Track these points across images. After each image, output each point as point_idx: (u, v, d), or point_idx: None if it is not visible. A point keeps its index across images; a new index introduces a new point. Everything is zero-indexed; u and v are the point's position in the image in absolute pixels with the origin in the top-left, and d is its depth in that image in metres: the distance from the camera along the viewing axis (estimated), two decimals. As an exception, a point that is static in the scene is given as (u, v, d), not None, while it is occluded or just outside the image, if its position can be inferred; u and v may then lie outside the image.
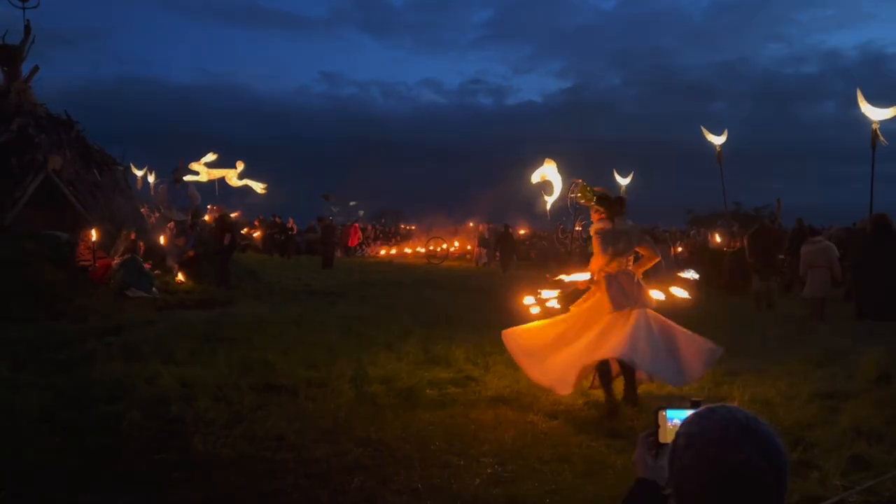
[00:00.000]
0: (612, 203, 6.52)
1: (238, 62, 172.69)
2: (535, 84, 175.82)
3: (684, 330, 6.32)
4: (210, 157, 17.58)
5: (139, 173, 21.04)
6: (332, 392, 6.57)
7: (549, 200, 6.93)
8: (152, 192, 18.68)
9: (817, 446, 5.19)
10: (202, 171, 17.39)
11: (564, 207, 7.22)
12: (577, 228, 27.53)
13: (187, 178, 17.02)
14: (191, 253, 15.37)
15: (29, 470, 4.61)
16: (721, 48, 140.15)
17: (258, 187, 17.92)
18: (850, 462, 4.85)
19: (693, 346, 6.21)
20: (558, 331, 6.51)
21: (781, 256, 15.52)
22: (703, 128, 16.68)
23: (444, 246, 32.75)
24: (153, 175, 17.70)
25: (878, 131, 11.85)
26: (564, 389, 6.17)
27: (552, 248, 22.57)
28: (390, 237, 38.00)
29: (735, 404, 1.49)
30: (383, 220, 44.01)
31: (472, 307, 13.12)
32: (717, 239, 18.74)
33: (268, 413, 5.95)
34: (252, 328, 9.72)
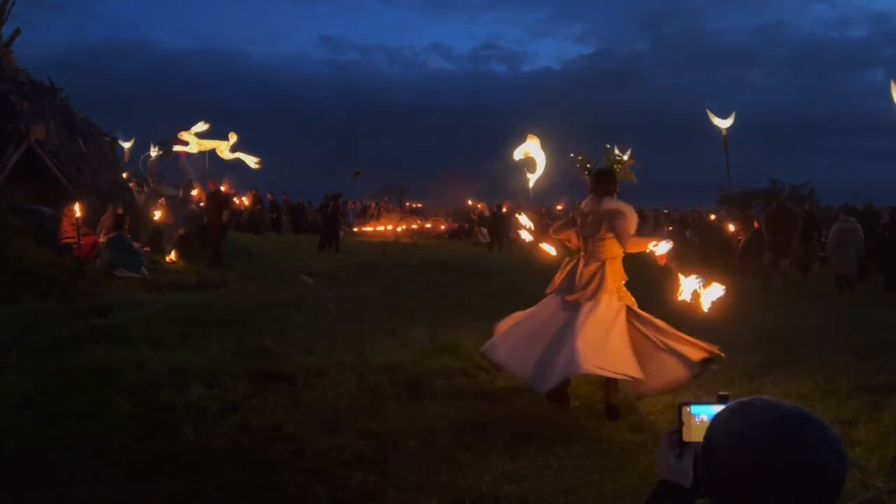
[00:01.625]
0: (595, 178, 6.45)
1: (231, 25, 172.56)
2: (554, 49, 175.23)
3: (665, 333, 6.10)
4: (201, 126, 17.54)
5: (126, 145, 21.07)
6: (333, 381, 6.59)
7: (532, 178, 6.91)
8: (142, 165, 18.71)
9: (859, 445, 5.17)
10: (192, 141, 17.34)
11: (550, 185, 7.26)
12: (558, 208, 27.51)
13: (177, 148, 17.02)
14: (181, 231, 15.43)
15: (11, 459, 4.67)
16: (759, 9, 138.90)
17: (251, 161, 17.87)
18: (895, 462, 4.83)
19: (671, 355, 6.00)
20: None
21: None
22: (708, 110, 17.00)
23: (416, 225, 32.97)
24: (156, 148, 17.68)
25: None
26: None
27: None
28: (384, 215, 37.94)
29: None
30: (387, 198, 43.99)
31: (482, 291, 13.12)
32: (731, 228, 19.27)
33: (263, 402, 5.99)
34: (247, 311, 9.75)
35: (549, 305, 6.36)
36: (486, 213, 30.54)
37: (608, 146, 6.49)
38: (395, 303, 11.43)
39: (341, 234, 24.32)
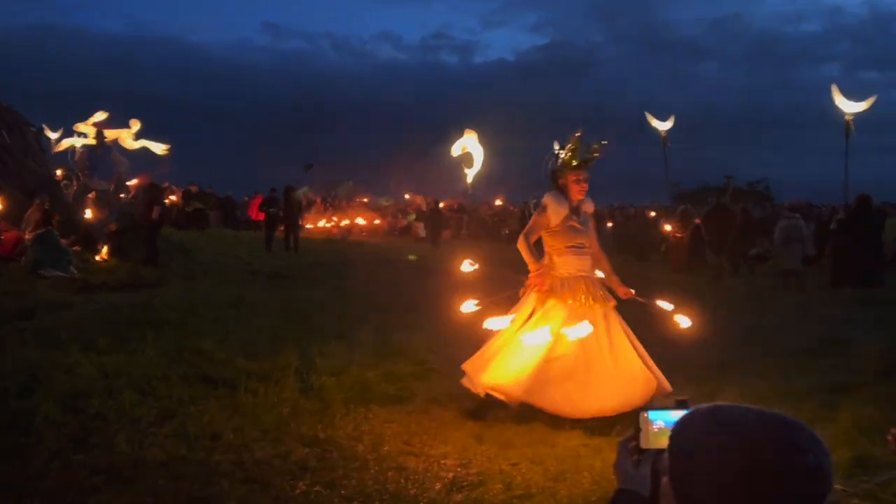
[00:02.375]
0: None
1: (170, 10, 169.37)
2: (507, 40, 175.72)
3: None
4: (100, 115, 17.18)
5: (54, 136, 20.59)
6: (276, 385, 6.52)
7: (470, 173, 6.96)
8: (71, 158, 18.31)
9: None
10: (90, 132, 16.98)
11: (483, 180, 7.32)
12: (497, 203, 27.61)
13: (69, 141, 16.70)
14: (113, 227, 15.14)
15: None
16: (715, 3, 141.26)
17: (158, 149, 17.52)
18: (852, 464, 4.94)
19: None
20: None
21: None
22: (647, 113, 18.09)
23: (347, 222, 33.05)
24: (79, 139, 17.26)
25: (851, 122, 14.29)
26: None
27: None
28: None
29: (724, 400, 1.46)
30: (334, 193, 43.75)
31: (433, 290, 13.12)
32: (667, 227, 20.30)
33: (202, 409, 5.89)
34: (184, 312, 9.62)
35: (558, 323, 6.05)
36: (424, 209, 30.81)
37: (577, 134, 6.42)
38: (342, 303, 11.38)
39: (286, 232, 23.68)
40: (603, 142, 6.40)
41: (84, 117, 17.17)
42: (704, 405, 1.43)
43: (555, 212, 6.22)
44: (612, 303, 6.22)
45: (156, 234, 15.40)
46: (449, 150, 7.19)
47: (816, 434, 1.34)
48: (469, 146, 6.91)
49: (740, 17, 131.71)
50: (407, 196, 36.97)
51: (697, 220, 18.59)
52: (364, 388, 6.65)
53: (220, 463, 4.88)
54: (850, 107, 14.47)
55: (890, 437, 2.05)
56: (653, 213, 25.43)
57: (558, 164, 6.34)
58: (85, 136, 16.80)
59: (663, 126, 18.36)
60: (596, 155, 6.36)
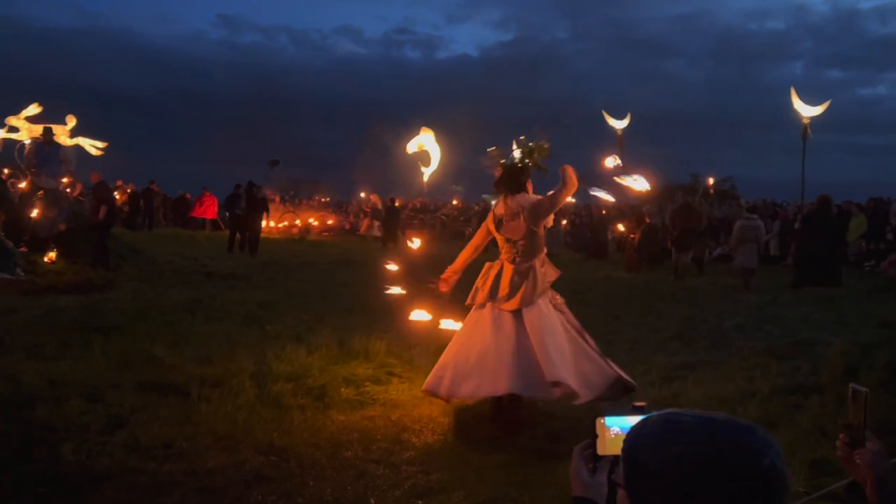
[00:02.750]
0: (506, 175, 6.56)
1: (119, 1, 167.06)
2: (471, 35, 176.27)
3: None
4: (33, 109, 16.84)
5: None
6: (230, 391, 6.46)
7: (426, 172, 6.99)
8: (18, 155, 17.96)
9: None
10: (22, 127, 16.64)
11: (443, 179, 7.36)
12: (453, 202, 27.74)
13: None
14: (62, 227, 14.89)
15: None
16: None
17: (94, 146, 17.22)
18: (814, 465, 5.02)
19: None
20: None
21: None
22: (604, 112, 18.71)
23: (298, 221, 33.02)
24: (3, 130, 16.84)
25: (809, 126, 15.30)
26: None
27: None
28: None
29: (688, 404, 1.46)
30: (292, 192, 43.56)
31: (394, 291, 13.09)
32: (620, 227, 21.51)
33: (153, 416, 5.82)
34: (135, 316, 9.49)
35: (484, 320, 6.17)
36: (379, 207, 30.88)
37: (521, 138, 6.53)
38: (300, 305, 11.31)
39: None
40: (545, 144, 6.55)
41: (21, 111, 16.81)
42: (656, 413, 1.43)
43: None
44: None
45: (105, 235, 15.16)
46: (406, 148, 7.18)
47: (770, 437, 1.35)
48: (426, 144, 6.91)
49: (705, 14, 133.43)
50: (362, 195, 37.18)
51: (647, 219, 19.64)
52: (322, 393, 6.61)
53: (171, 473, 4.81)
54: (807, 110, 15.38)
55: (839, 444, 2.07)
56: (604, 212, 25.82)
57: (526, 165, 6.45)
58: (17, 130, 16.45)
59: (619, 124, 18.87)
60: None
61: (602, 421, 1.67)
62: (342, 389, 6.81)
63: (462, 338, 6.24)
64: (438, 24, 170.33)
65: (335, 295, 12.68)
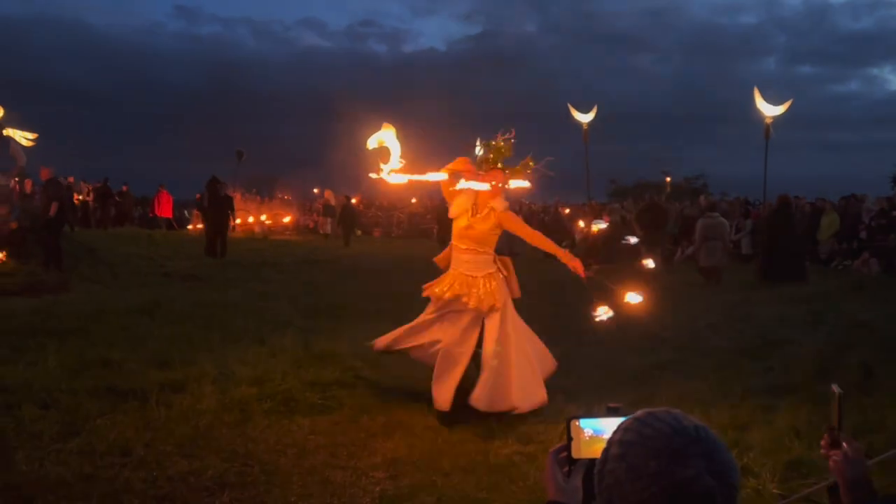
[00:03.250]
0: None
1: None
2: (438, 29, 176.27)
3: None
4: None
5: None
6: (191, 396, 6.42)
7: (386, 169, 7.01)
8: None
9: (753, 450, 5.44)
10: None
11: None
12: (412, 201, 27.86)
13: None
14: (13, 225, 14.69)
15: None
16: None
17: (24, 138, 16.93)
18: (788, 467, 5.10)
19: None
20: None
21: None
22: (569, 104, 19.07)
23: (251, 219, 32.96)
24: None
25: (771, 126, 15.62)
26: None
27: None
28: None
29: (660, 405, 1.49)
30: (254, 189, 43.26)
31: (360, 292, 13.09)
32: (581, 224, 21.93)
33: (110, 423, 5.76)
34: (91, 319, 9.40)
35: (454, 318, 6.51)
36: (332, 203, 30.89)
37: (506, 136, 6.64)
38: (263, 307, 11.25)
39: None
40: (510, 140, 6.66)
41: None
42: (651, 410, 1.47)
43: None
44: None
45: (57, 234, 14.97)
46: (366, 144, 7.17)
47: (724, 457, 1.39)
48: (387, 140, 6.91)
49: (675, 8, 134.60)
50: (315, 191, 37.30)
51: (607, 217, 20.11)
52: (287, 397, 6.58)
53: (130, 480, 4.77)
54: (769, 109, 15.83)
55: (823, 443, 2.11)
56: (567, 210, 26.39)
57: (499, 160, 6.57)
58: None
59: (585, 118, 19.11)
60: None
61: (576, 423, 1.68)
62: (307, 393, 6.78)
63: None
64: (404, 16, 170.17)
65: (300, 296, 12.63)
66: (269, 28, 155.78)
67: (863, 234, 18.68)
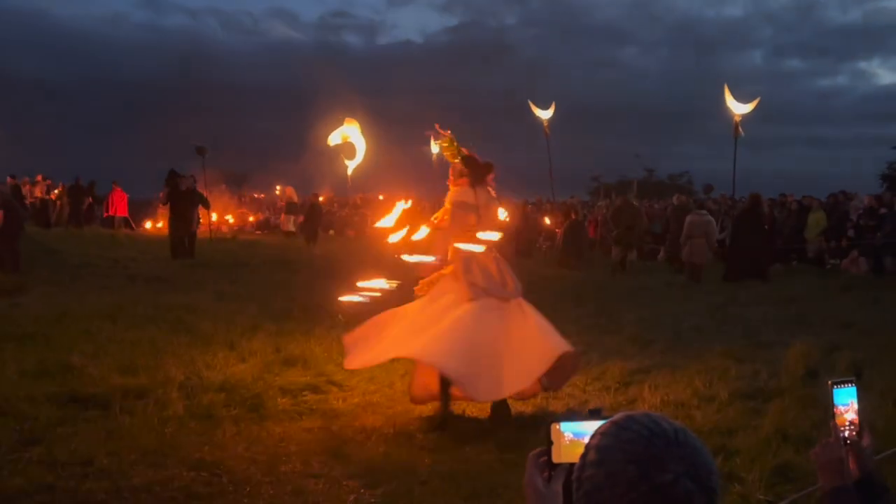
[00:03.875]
0: (479, 167, 6.67)
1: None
2: (414, 20, 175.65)
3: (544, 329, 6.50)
4: None
5: None
6: (157, 403, 6.39)
7: (351, 165, 7.04)
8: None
9: (739, 455, 5.48)
10: None
11: (370, 174, 7.46)
12: (379, 197, 28.07)
13: None
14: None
15: None
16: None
17: None
18: (775, 472, 5.15)
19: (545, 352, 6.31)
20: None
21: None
22: (530, 102, 20.08)
23: (214, 217, 32.93)
24: None
25: (740, 124, 16.65)
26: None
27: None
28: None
29: (644, 408, 1.51)
30: (223, 186, 43.05)
31: (334, 294, 13.04)
32: (547, 221, 23.07)
33: (72, 431, 5.74)
34: (50, 323, 9.34)
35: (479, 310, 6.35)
36: (295, 200, 30.88)
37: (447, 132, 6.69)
38: (232, 309, 11.20)
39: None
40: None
41: None
42: (629, 413, 1.48)
43: None
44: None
45: (12, 241, 14.81)
46: (336, 140, 7.18)
47: (704, 461, 1.40)
48: (351, 136, 6.93)
49: (659, 0, 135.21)
50: (278, 188, 37.16)
51: (573, 216, 21.06)
52: (257, 403, 6.57)
53: (92, 491, 4.74)
54: (738, 108, 16.67)
55: (812, 456, 2.16)
56: (529, 207, 26.89)
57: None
58: None
59: (545, 115, 19.70)
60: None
61: (557, 427, 1.68)
62: (278, 399, 6.78)
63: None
64: (379, 7, 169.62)
65: (270, 298, 12.58)
66: (237, 19, 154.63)
67: (851, 233, 18.86)
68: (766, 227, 17.96)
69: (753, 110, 16.76)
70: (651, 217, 20.96)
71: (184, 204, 19.59)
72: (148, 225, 30.70)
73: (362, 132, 7.22)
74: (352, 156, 7.21)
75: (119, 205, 30.18)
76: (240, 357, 8.07)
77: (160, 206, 21.29)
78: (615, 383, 7.48)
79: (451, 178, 6.68)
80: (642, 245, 21.12)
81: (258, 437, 5.89)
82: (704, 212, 17.84)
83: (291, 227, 29.83)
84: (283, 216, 31.67)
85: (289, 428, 6.15)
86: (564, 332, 6.70)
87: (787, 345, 8.67)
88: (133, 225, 30.45)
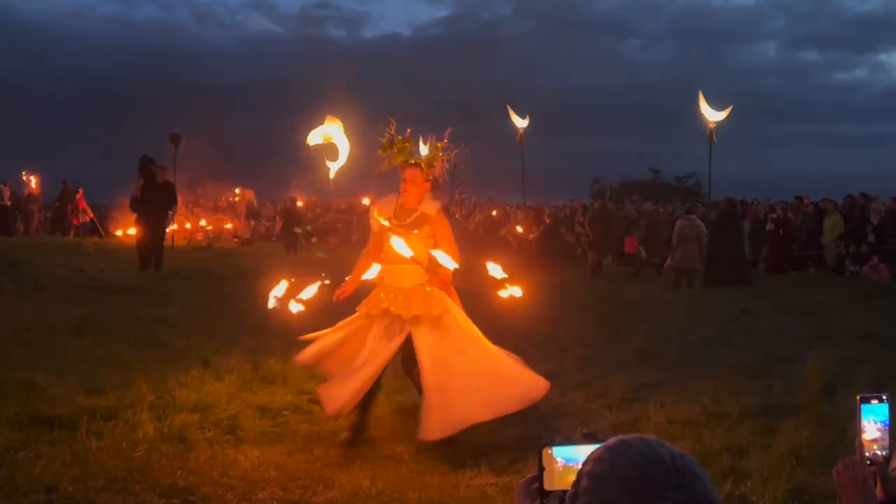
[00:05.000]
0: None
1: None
2: (402, 12, 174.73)
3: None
4: None
5: None
6: (126, 425, 6.38)
7: (333, 167, 7.06)
8: None
9: (751, 477, 5.49)
10: None
11: (352, 176, 7.48)
12: (364, 202, 28.47)
13: None
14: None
15: None
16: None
17: None
18: (789, 496, 5.16)
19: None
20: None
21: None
22: (508, 107, 20.96)
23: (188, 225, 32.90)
24: None
25: (714, 132, 18.10)
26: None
27: None
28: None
29: (650, 427, 1.51)
30: (199, 191, 42.93)
31: (316, 306, 13.03)
32: (519, 229, 24.05)
33: (34, 455, 5.70)
34: (11, 338, 9.32)
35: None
36: (255, 205, 30.95)
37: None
38: (206, 323, 11.19)
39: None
40: (438, 143, 6.77)
41: None
42: (623, 437, 1.49)
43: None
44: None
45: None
46: (316, 140, 7.18)
47: (704, 487, 1.40)
48: (333, 136, 6.92)
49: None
50: (237, 191, 36.65)
51: (548, 220, 22.54)
52: (233, 425, 6.57)
53: (56, 521, 4.74)
54: (712, 115, 17.96)
55: (834, 475, 2.17)
56: (494, 212, 28.48)
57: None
58: None
59: (521, 123, 20.89)
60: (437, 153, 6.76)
61: (549, 452, 1.69)
62: (256, 420, 6.77)
63: None
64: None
65: (247, 311, 12.56)
66: (212, 11, 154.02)
67: (871, 237, 18.87)
68: (743, 231, 19.73)
69: (727, 117, 18.20)
70: (656, 223, 21.13)
71: (158, 200, 17.92)
72: (119, 232, 30.60)
73: (346, 131, 7.22)
74: (334, 157, 7.20)
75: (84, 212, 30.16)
76: (215, 374, 8.05)
77: (133, 200, 18.43)
78: (618, 400, 7.49)
79: (415, 182, 6.63)
80: (619, 250, 22.58)
81: (234, 462, 5.88)
82: (693, 216, 18.94)
83: (248, 234, 29.81)
84: (243, 221, 31.62)
85: (267, 451, 6.14)
86: (564, 347, 6.72)
87: (804, 358, 8.69)
88: (102, 231, 30.35)
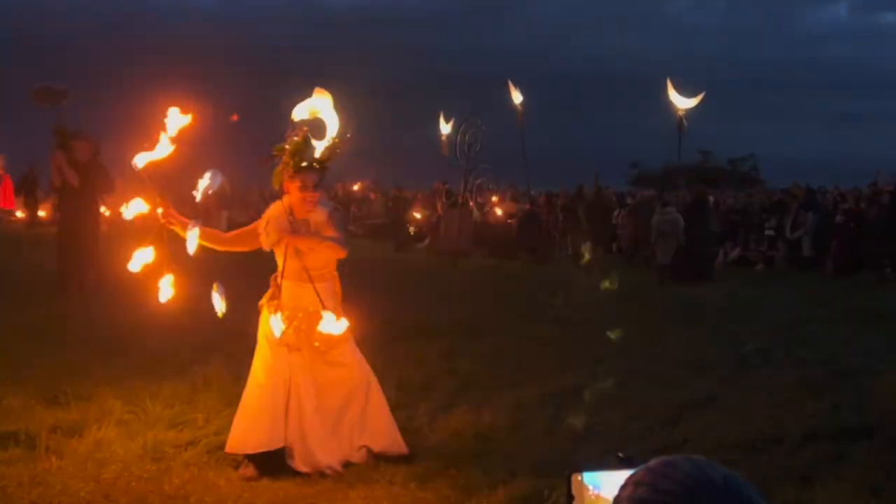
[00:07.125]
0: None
1: None
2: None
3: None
4: None
5: None
6: (91, 442, 6.44)
7: (319, 146, 7.08)
8: None
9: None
10: None
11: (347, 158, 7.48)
12: (354, 188, 28.70)
13: None
14: None
15: None
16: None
17: None
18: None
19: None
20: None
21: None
22: (509, 81, 21.27)
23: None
24: None
25: (684, 119, 18.80)
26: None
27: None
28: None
29: (697, 452, 1.51)
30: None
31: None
32: (498, 212, 24.73)
33: (-12, 476, 5.76)
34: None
35: None
36: (228, 192, 31.08)
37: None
38: (182, 327, 11.20)
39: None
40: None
41: None
42: (668, 458, 1.50)
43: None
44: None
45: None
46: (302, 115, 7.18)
47: (749, 498, 1.41)
48: (321, 111, 6.93)
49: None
50: (208, 174, 36.64)
51: (529, 206, 23.31)
52: (214, 444, 6.59)
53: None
54: (682, 102, 18.66)
55: None
56: (494, 198, 28.42)
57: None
58: None
59: (517, 98, 21.20)
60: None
61: (579, 478, 1.69)
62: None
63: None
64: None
65: (229, 313, 12.57)
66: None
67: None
68: (714, 222, 20.94)
69: (699, 104, 18.84)
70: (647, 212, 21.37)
71: (81, 184, 14.22)
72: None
73: (336, 107, 7.21)
74: (321, 136, 7.21)
75: (7, 194, 29.92)
76: (192, 386, 8.08)
77: (54, 185, 15.39)
78: (660, 421, 7.45)
79: (305, 184, 6.76)
80: (614, 242, 23.54)
81: (214, 485, 5.91)
82: (671, 209, 19.58)
83: (223, 226, 29.89)
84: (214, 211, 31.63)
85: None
86: (598, 357, 6.70)
87: (877, 374, 8.65)
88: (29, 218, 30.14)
